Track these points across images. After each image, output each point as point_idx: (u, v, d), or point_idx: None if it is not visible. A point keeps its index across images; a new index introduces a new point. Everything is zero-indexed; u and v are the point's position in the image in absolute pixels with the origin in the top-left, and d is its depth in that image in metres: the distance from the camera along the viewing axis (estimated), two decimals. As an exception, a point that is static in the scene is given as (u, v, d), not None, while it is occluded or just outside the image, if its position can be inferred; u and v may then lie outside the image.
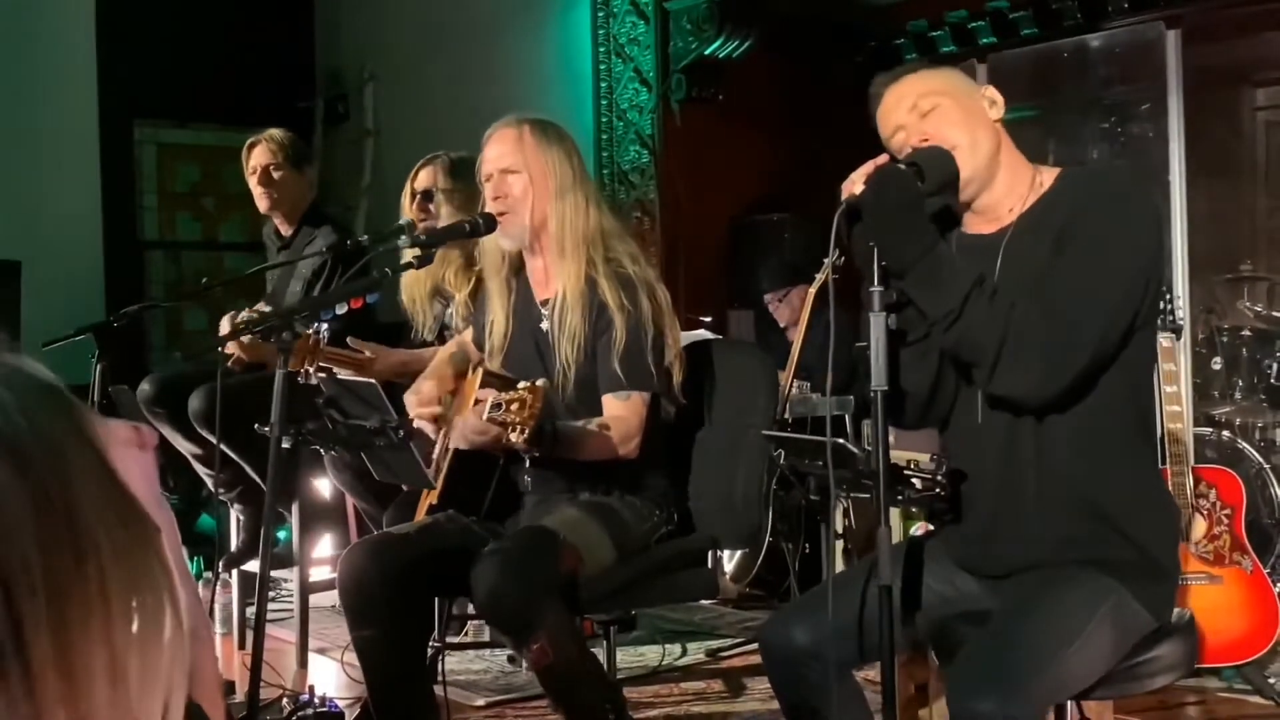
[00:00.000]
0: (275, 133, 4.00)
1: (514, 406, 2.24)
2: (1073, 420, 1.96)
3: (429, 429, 2.68)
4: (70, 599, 0.55)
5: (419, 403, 2.68)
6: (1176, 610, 2.05)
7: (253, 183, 3.97)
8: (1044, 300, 1.90)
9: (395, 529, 2.79)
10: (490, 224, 2.70)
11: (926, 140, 2.02)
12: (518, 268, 2.77)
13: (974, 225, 2.10)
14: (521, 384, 2.28)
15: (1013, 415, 1.99)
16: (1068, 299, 1.89)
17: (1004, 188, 2.04)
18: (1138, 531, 1.98)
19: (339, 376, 2.86)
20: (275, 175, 3.93)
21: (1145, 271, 1.93)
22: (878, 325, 1.86)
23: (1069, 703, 2.05)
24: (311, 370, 2.90)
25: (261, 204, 3.99)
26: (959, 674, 1.86)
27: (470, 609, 3.35)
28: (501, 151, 2.66)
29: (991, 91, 2.08)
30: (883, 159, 1.97)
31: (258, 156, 3.95)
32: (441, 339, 3.51)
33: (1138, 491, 2.02)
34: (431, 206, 3.50)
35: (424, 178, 3.58)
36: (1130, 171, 2.14)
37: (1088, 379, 1.93)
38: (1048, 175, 2.06)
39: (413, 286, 3.53)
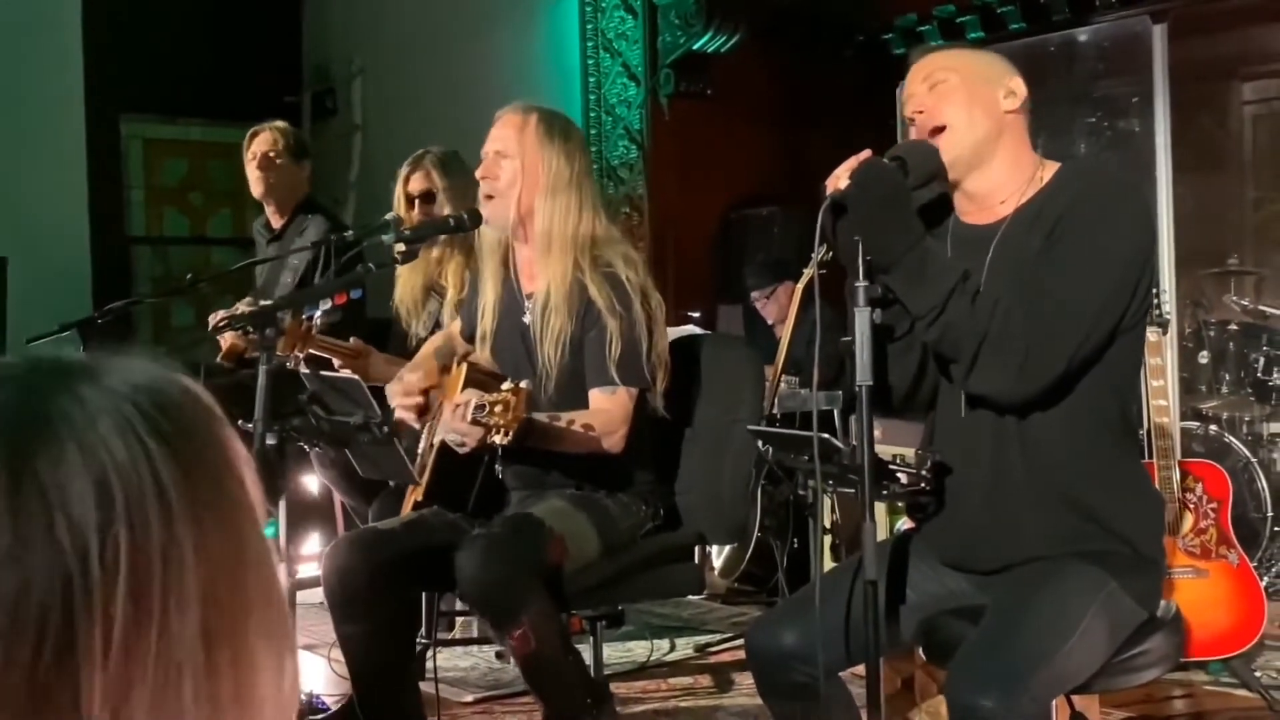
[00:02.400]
0: (280, 123, 4.05)
1: (497, 409, 2.23)
2: (1056, 416, 1.96)
3: (411, 419, 2.67)
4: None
5: (402, 391, 2.67)
6: (1163, 603, 2.05)
7: (250, 168, 3.99)
8: (1027, 300, 1.90)
9: (380, 524, 2.78)
10: (475, 219, 2.69)
11: (922, 112, 2.01)
12: (508, 253, 2.75)
13: (970, 215, 2.09)
14: (505, 385, 2.27)
15: (995, 412, 1.99)
16: (1051, 301, 1.88)
17: (998, 177, 2.03)
18: (1123, 526, 1.98)
19: (322, 372, 2.85)
20: (275, 161, 3.96)
21: (1133, 276, 1.92)
22: (862, 320, 1.86)
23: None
24: (301, 356, 2.89)
25: (256, 189, 4.00)
26: (959, 670, 1.86)
27: (458, 605, 3.35)
28: (501, 134, 2.64)
29: (1015, 82, 2.04)
30: (866, 153, 1.96)
31: (259, 143, 3.98)
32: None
33: (1122, 486, 2.02)
34: (435, 208, 3.47)
35: (418, 181, 3.54)
36: (1125, 173, 2.14)
37: (1068, 379, 1.92)
38: (1049, 170, 2.04)
39: (405, 290, 3.52)
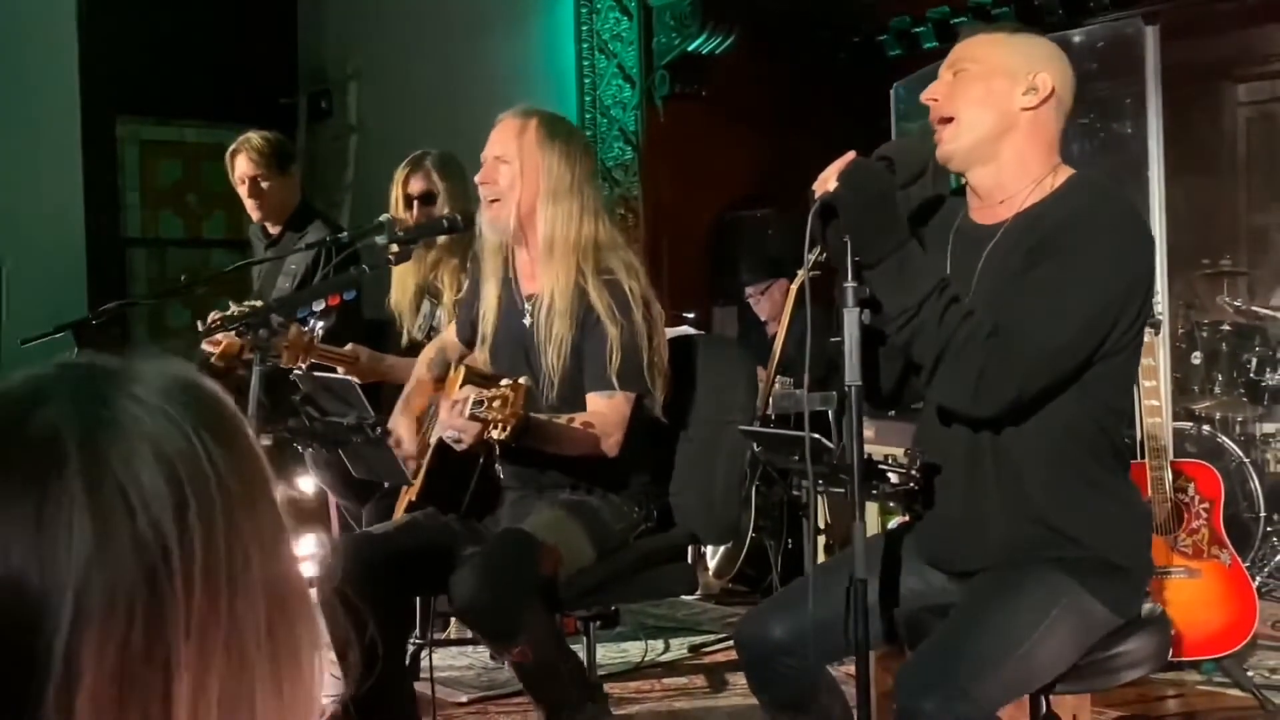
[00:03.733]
0: (255, 139, 3.90)
1: (495, 404, 2.23)
2: (1029, 432, 1.94)
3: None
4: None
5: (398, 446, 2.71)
6: (1147, 606, 2.06)
7: (241, 192, 3.94)
8: (998, 319, 1.89)
9: (374, 527, 2.79)
10: (469, 221, 2.69)
11: (936, 100, 2.01)
12: (509, 256, 2.74)
13: (976, 212, 2.07)
14: (504, 381, 2.27)
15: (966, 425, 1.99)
16: (1018, 327, 1.87)
17: (1002, 175, 2.00)
18: (1094, 538, 1.96)
19: (316, 373, 2.86)
20: (264, 185, 3.88)
21: (1114, 309, 1.88)
22: (851, 321, 1.87)
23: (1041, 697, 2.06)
24: (304, 367, 2.90)
25: (254, 215, 3.98)
26: (905, 673, 1.87)
27: (452, 606, 3.36)
28: (500, 139, 2.63)
29: (1042, 78, 1.98)
30: (850, 155, 1.96)
31: (243, 167, 3.89)
32: (430, 340, 3.50)
33: (1096, 504, 1.98)
34: (435, 209, 3.47)
35: (419, 182, 3.54)
36: (1126, 200, 2.10)
37: (1033, 403, 1.91)
38: (1061, 176, 2.00)
39: (399, 291, 3.52)
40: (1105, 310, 1.88)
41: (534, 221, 2.61)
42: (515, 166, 2.59)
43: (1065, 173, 2.01)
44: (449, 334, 2.96)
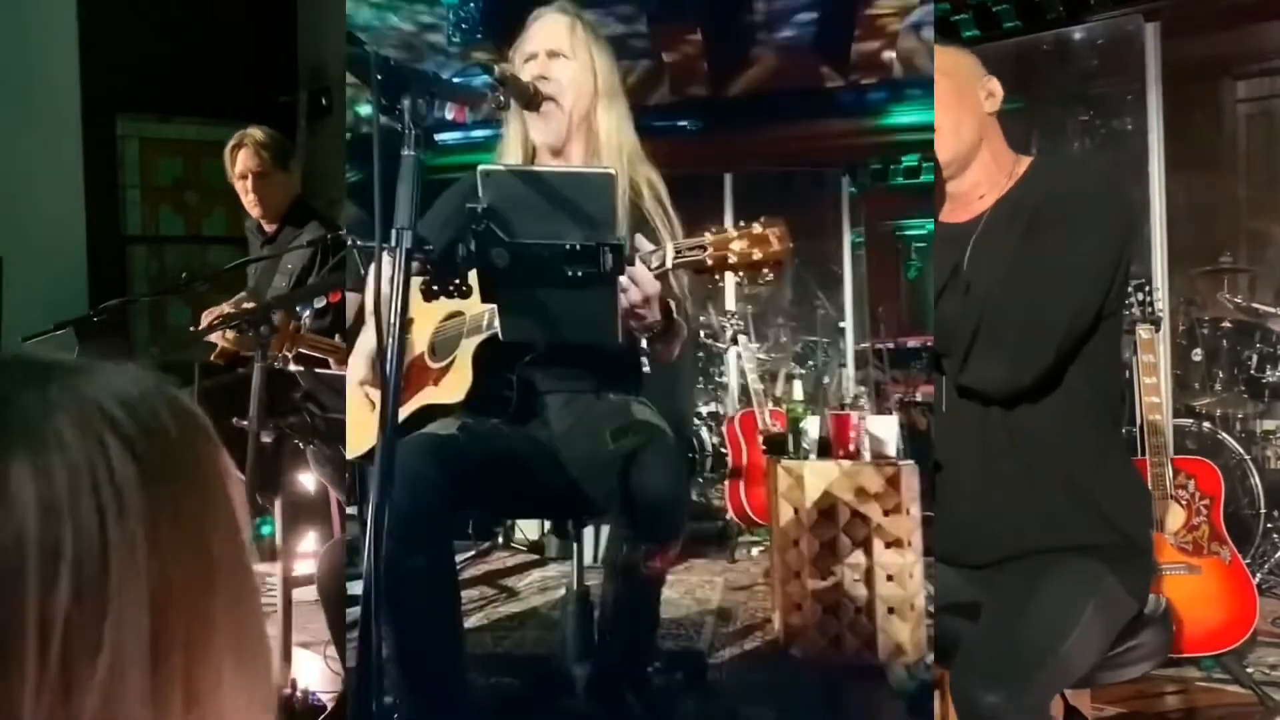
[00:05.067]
0: (257, 134, 3.92)
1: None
2: (1044, 406, 1.98)
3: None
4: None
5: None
6: (1153, 598, 2.07)
7: (241, 188, 3.93)
8: (1015, 290, 1.92)
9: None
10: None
11: None
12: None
13: (948, 215, 2.12)
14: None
15: (981, 404, 2.00)
16: (1036, 288, 1.91)
17: (979, 176, 2.07)
18: (1115, 510, 2.00)
19: (316, 370, 2.86)
20: (265, 180, 3.89)
21: (1112, 263, 1.96)
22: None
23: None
24: (290, 355, 2.89)
25: (254, 210, 3.97)
26: (963, 666, 1.87)
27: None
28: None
29: (993, 84, 2.10)
30: None
31: (244, 161, 3.89)
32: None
33: (1111, 473, 2.04)
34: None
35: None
36: (1100, 164, 2.17)
37: (1055, 367, 1.95)
38: (1023, 165, 2.10)
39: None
40: (1109, 262, 1.95)
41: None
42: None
43: (1025, 160, 2.10)
44: None
